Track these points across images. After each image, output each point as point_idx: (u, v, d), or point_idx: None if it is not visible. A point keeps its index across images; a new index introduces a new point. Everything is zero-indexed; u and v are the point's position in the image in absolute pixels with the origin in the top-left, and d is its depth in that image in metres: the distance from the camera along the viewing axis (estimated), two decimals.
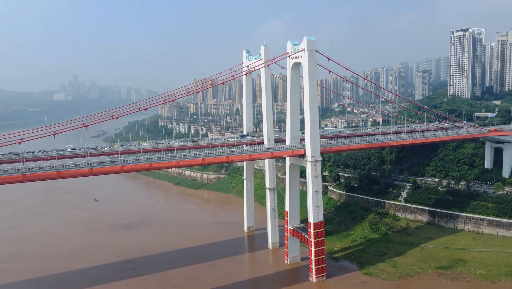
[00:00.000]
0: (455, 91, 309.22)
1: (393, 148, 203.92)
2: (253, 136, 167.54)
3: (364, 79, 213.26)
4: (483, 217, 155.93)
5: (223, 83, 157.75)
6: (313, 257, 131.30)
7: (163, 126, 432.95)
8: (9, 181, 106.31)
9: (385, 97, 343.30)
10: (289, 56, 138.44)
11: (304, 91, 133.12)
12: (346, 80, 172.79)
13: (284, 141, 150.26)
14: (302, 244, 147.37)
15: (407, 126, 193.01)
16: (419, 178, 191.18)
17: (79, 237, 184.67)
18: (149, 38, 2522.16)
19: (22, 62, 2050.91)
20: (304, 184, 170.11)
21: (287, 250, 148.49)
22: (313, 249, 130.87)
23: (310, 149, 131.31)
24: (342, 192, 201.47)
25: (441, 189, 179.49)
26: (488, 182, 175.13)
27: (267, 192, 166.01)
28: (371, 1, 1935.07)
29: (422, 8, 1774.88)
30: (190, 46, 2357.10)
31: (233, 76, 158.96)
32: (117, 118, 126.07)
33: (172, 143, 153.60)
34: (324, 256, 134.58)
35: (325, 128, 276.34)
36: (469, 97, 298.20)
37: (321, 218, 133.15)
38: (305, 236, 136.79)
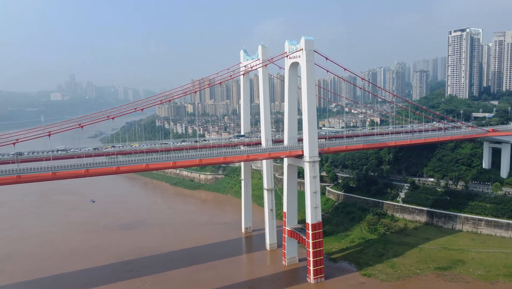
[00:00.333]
0: (452, 91, 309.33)
1: (391, 148, 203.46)
2: (246, 137, 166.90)
3: (362, 79, 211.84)
4: (481, 217, 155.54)
5: (220, 83, 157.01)
6: (311, 258, 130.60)
7: (160, 126, 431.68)
8: (3, 182, 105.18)
9: (382, 97, 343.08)
10: (287, 56, 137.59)
11: (302, 91, 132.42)
12: (344, 80, 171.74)
13: (282, 141, 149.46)
14: (300, 245, 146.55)
15: (402, 127, 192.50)
16: (417, 179, 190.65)
17: (76, 238, 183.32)
18: (146, 38, 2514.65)
19: (19, 61, 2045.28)
20: (302, 184, 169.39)
21: (285, 251, 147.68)
22: (311, 250, 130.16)
23: (308, 150, 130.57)
24: (340, 192, 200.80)
25: (439, 190, 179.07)
26: (486, 183, 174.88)
27: (265, 193, 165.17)
28: (368, 1, 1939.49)
29: (419, 8, 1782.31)
30: (187, 46, 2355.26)
31: (230, 76, 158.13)
32: (113, 118, 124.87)
33: (174, 143, 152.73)
34: (322, 257, 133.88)
35: (323, 128, 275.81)
36: (467, 97, 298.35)
37: (319, 219, 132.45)
38: (303, 237, 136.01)
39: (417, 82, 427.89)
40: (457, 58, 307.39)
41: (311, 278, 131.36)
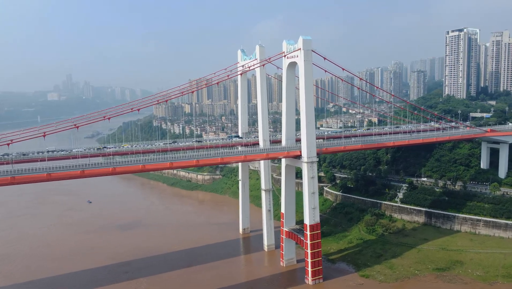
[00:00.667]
0: (450, 91, 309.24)
1: (389, 148, 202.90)
2: (240, 137, 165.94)
3: (360, 78, 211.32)
4: (479, 218, 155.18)
5: (217, 83, 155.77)
6: (309, 260, 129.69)
7: (157, 127, 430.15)
8: None
9: (380, 97, 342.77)
10: (284, 56, 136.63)
11: (300, 91, 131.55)
12: (342, 80, 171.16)
13: (280, 141, 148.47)
14: (298, 246, 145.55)
15: (397, 127, 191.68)
16: (415, 179, 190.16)
17: (72, 239, 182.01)
18: (143, 38, 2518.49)
19: (15, 61, 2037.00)
20: (300, 185, 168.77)
21: (283, 252, 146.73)
22: (309, 251, 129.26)
23: (306, 150, 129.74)
24: (338, 193, 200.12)
25: (437, 190, 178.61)
26: (485, 183, 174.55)
27: (263, 194, 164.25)
28: (366, 1, 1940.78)
29: (417, 9, 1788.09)
30: (185, 46, 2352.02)
31: (228, 76, 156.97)
32: (109, 118, 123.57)
33: (169, 144, 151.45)
34: (321, 258, 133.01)
35: (320, 128, 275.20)
36: (464, 97, 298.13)
37: (317, 220, 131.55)
38: (301, 238, 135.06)
39: (415, 82, 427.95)
40: (454, 58, 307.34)
41: (309, 280, 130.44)
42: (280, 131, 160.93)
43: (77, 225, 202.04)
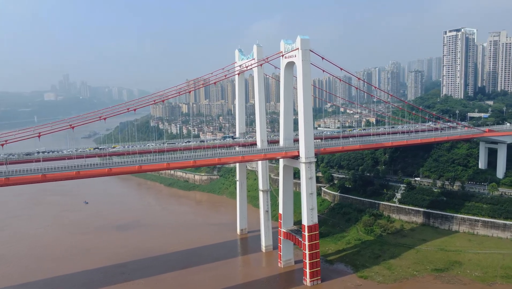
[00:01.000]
0: (448, 91, 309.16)
1: (387, 148, 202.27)
2: (233, 138, 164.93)
3: (358, 78, 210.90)
4: (478, 218, 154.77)
5: (215, 83, 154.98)
6: (307, 260, 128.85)
7: (155, 127, 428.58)
8: None
9: (378, 97, 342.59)
10: (282, 56, 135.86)
11: (298, 91, 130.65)
12: (339, 79, 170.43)
13: (278, 142, 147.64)
14: (296, 247, 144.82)
15: (393, 127, 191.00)
16: (413, 179, 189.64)
17: (68, 239, 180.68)
18: (141, 38, 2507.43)
19: (12, 61, 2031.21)
20: (298, 185, 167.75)
21: (281, 253, 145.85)
22: (307, 252, 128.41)
23: (304, 151, 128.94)
24: (336, 193, 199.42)
25: (435, 190, 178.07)
26: (483, 183, 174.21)
27: (260, 194, 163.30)
28: (364, 1, 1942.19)
29: (414, 9, 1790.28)
30: (182, 46, 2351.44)
31: (225, 76, 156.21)
32: (105, 119, 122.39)
33: (165, 144, 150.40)
34: (319, 259, 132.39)
35: (318, 128, 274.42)
36: (462, 97, 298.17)
37: (316, 220, 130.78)
38: (299, 239, 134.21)
39: (412, 82, 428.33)
40: (452, 58, 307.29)
41: (308, 281, 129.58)
42: (278, 131, 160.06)
43: (73, 226, 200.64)
